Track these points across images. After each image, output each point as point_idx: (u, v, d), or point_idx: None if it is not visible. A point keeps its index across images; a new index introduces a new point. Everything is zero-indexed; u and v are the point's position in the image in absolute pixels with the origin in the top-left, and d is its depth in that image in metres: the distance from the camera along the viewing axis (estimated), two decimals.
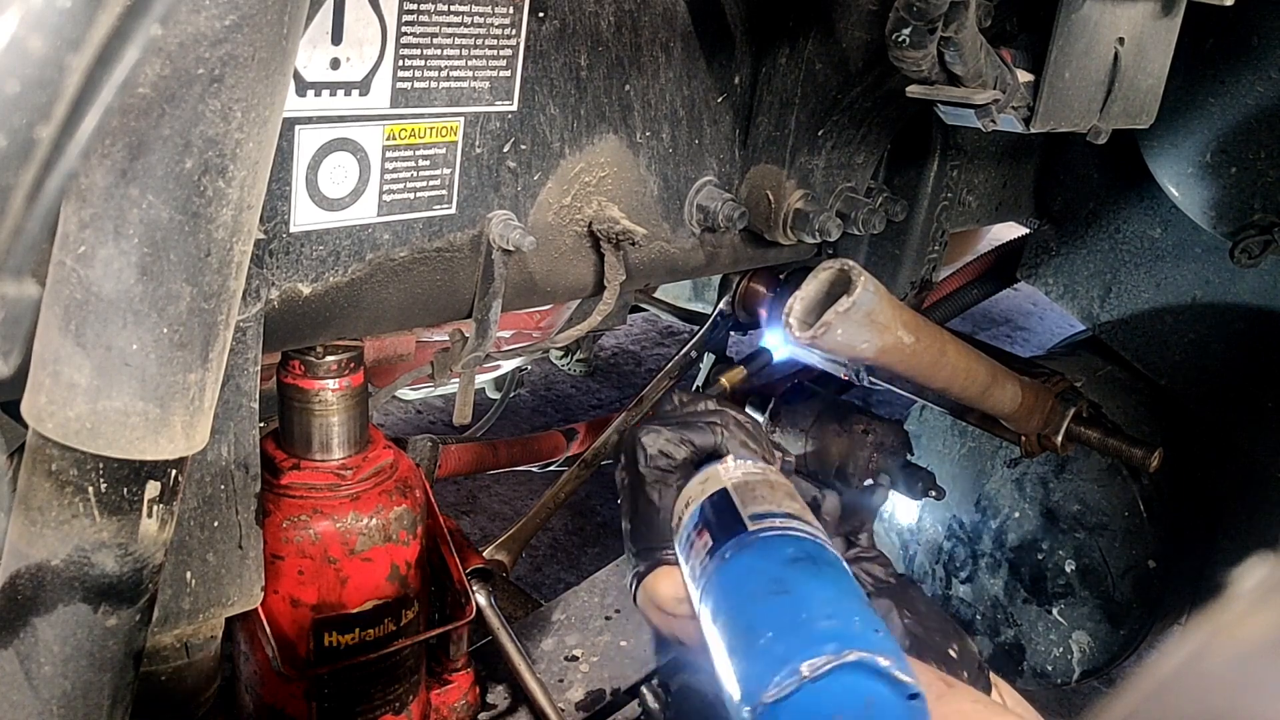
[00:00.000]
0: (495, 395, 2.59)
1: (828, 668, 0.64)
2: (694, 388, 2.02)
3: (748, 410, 1.79)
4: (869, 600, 0.74)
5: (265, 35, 0.54)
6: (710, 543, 0.83)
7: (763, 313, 1.71)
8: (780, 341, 1.77)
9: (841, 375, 1.73)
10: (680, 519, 0.90)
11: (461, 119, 0.99)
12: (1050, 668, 2.08)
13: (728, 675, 0.70)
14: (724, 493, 0.87)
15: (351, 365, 1.06)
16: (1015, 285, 2.23)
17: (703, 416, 1.01)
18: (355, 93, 0.90)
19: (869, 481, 1.65)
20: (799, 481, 1.72)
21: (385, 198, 0.96)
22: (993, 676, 0.91)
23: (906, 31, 0.92)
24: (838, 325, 1.00)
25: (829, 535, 0.99)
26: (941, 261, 1.69)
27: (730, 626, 0.74)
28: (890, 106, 1.24)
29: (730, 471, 0.90)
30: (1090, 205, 1.94)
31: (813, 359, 1.73)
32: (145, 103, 0.51)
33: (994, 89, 1.03)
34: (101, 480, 0.59)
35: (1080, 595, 2.01)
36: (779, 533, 0.79)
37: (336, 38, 0.86)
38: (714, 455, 0.97)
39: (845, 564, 0.79)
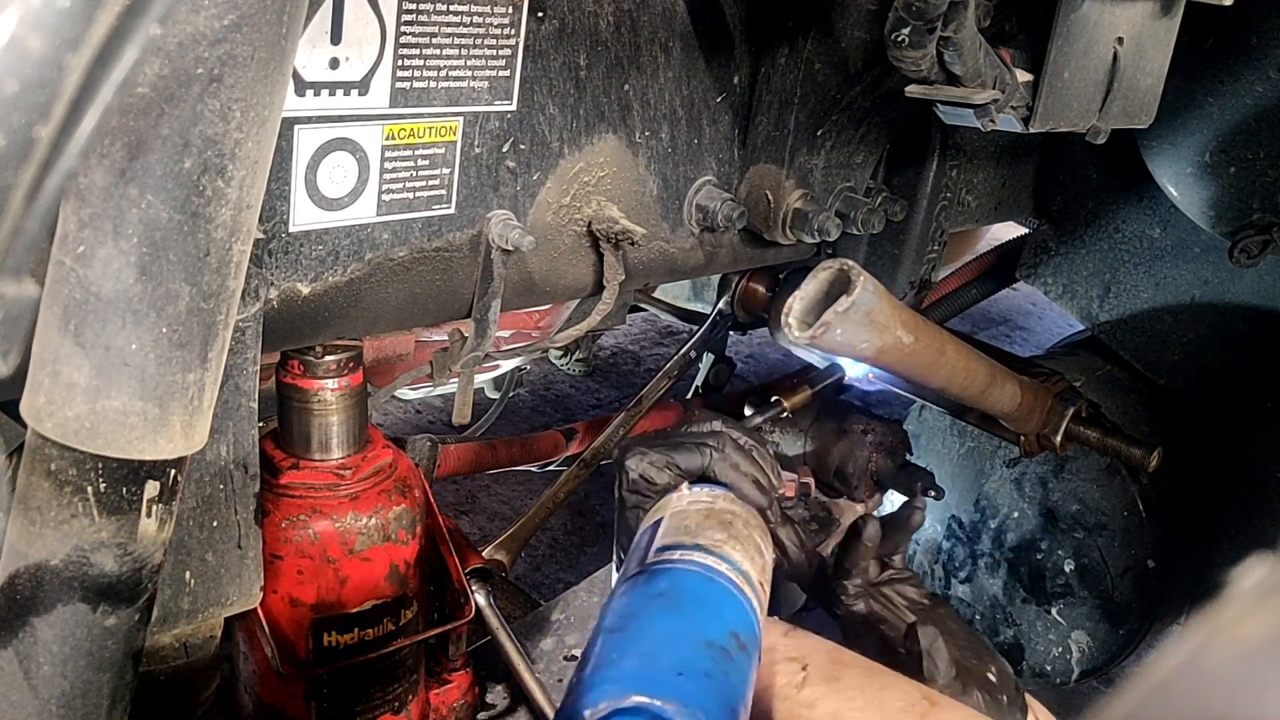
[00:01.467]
0: (494, 395, 2.59)
1: (606, 711, 0.63)
2: (694, 388, 2.02)
3: (747, 411, 1.79)
4: (716, 640, 0.72)
5: (264, 35, 0.54)
6: (625, 574, 0.82)
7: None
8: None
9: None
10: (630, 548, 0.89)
11: (460, 119, 0.99)
12: (1049, 667, 2.09)
13: None
14: (658, 523, 0.85)
15: (350, 365, 1.06)
16: (1014, 285, 2.23)
17: (698, 438, 0.97)
18: (354, 92, 0.90)
19: (904, 500, 1.63)
20: (842, 505, 1.70)
21: (384, 197, 0.96)
22: (1029, 698, 0.90)
23: (905, 31, 0.92)
24: (837, 325, 1.00)
25: (863, 561, 0.98)
26: (941, 261, 1.68)
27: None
28: (889, 106, 1.24)
29: (678, 501, 0.89)
30: (1089, 205, 1.94)
31: (812, 358, 1.72)
32: (144, 102, 0.51)
33: (993, 89, 1.03)
34: (100, 480, 0.59)
35: (1079, 595, 2.01)
36: (668, 566, 0.78)
37: (336, 37, 0.86)
38: (704, 479, 0.95)
39: (732, 595, 0.77)
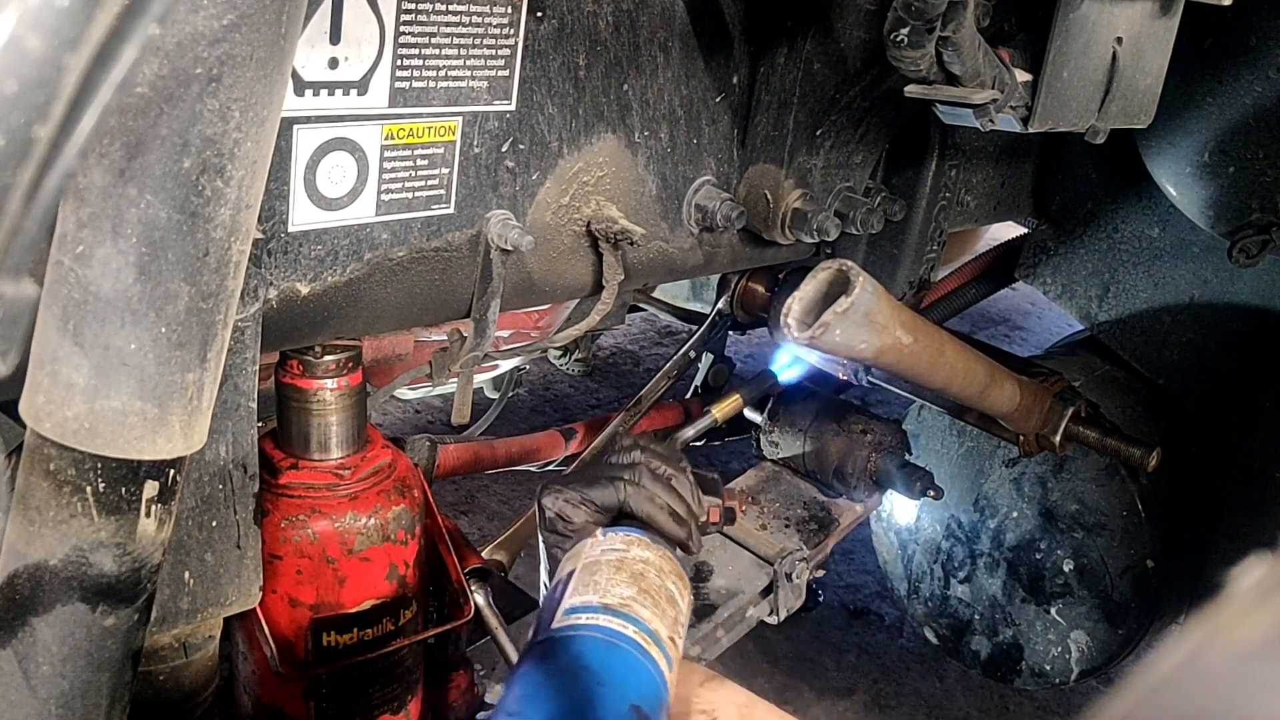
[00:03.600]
0: (493, 395, 2.59)
1: None
2: (692, 388, 2.02)
3: (746, 413, 1.79)
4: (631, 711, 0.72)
5: (263, 35, 0.53)
6: (529, 635, 0.82)
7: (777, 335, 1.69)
8: (789, 362, 1.77)
9: (840, 375, 1.73)
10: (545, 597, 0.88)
11: (460, 119, 0.99)
12: (1049, 667, 2.09)
13: None
14: (569, 577, 0.85)
15: (350, 365, 1.06)
16: (1013, 285, 2.23)
17: (614, 470, 0.97)
18: (353, 92, 0.90)
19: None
20: (841, 505, 1.71)
21: (383, 197, 0.96)
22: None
23: (905, 31, 0.92)
24: (836, 326, 1.00)
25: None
26: (940, 261, 1.69)
27: None
28: (888, 106, 1.24)
29: (592, 549, 0.88)
30: (1088, 205, 1.94)
31: (812, 358, 1.72)
32: (143, 102, 0.51)
33: (992, 88, 1.03)
34: (99, 480, 0.59)
35: (1078, 595, 2.01)
36: (571, 633, 0.78)
37: (335, 37, 0.86)
38: (622, 514, 0.94)
39: (637, 662, 0.77)
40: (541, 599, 0.97)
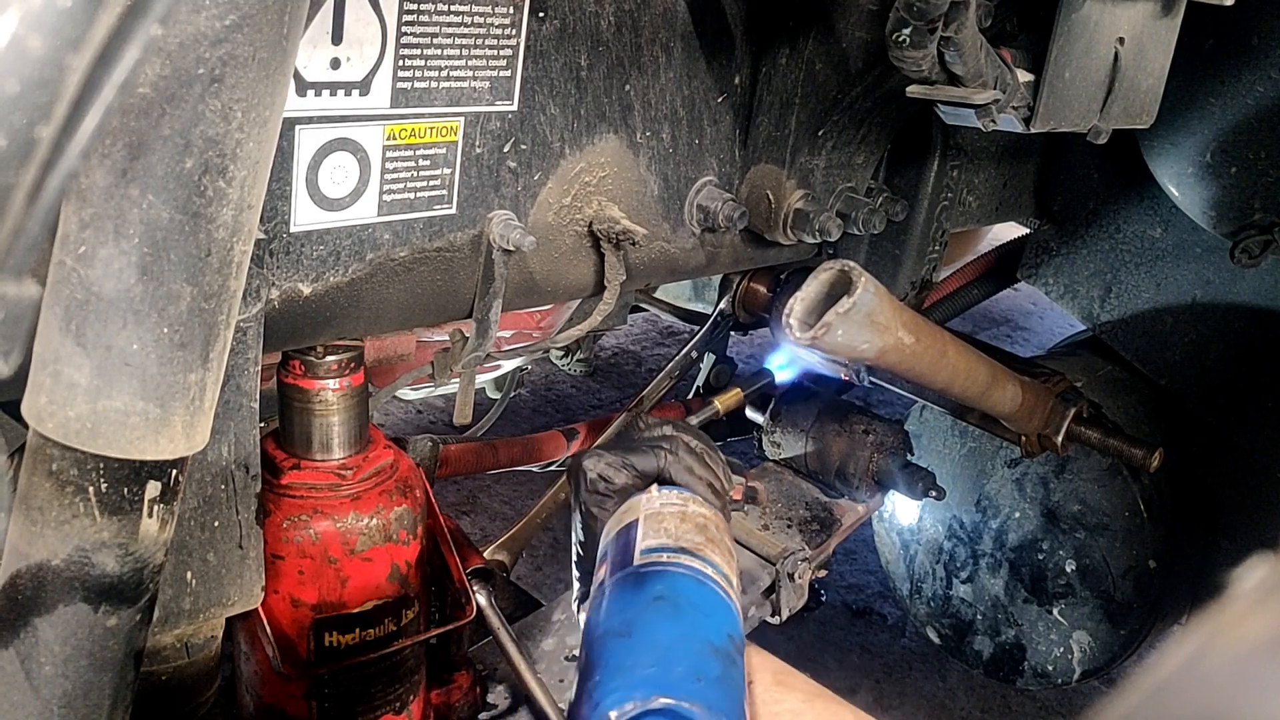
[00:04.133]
0: (496, 395, 2.59)
1: (633, 713, 0.65)
2: (694, 388, 2.02)
3: (748, 413, 1.79)
4: (719, 644, 0.74)
5: (265, 35, 0.54)
6: (603, 576, 0.83)
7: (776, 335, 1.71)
8: (785, 362, 1.79)
9: (841, 375, 1.73)
10: (601, 548, 0.90)
11: (462, 119, 0.99)
12: (1051, 668, 2.08)
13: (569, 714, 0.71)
14: (634, 524, 0.87)
15: (352, 365, 1.06)
16: (1015, 285, 2.23)
17: (652, 441, 1.00)
18: (355, 93, 0.90)
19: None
20: (843, 505, 1.72)
21: (385, 198, 0.96)
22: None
23: (907, 31, 0.92)
24: (838, 326, 1.00)
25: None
26: (942, 261, 1.68)
27: (579, 666, 0.75)
28: (890, 106, 1.24)
29: (650, 502, 0.90)
30: (1090, 205, 1.94)
31: (813, 359, 1.73)
32: (145, 103, 0.51)
33: (994, 89, 1.03)
34: (102, 480, 0.59)
35: (1081, 595, 2.01)
36: (658, 569, 0.79)
37: (337, 38, 0.86)
38: (659, 480, 0.97)
39: (723, 599, 0.79)
40: (573, 563, 1.00)
